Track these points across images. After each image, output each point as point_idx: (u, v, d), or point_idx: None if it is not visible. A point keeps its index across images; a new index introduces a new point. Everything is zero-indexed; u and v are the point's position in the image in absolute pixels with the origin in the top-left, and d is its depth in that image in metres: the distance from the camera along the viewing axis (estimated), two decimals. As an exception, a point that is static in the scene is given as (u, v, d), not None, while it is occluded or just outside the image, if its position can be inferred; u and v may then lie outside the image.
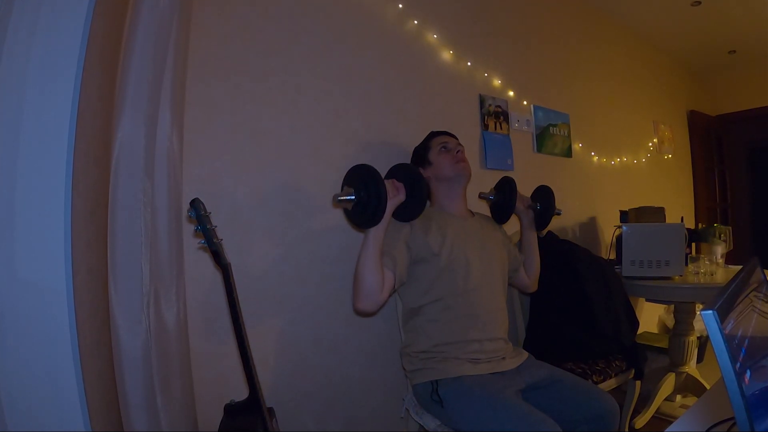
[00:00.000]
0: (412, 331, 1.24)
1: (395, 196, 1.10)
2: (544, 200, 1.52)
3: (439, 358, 1.17)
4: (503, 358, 1.20)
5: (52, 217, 0.74)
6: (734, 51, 3.34)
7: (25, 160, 0.74)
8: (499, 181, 1.48)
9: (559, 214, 1.55)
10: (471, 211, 1.40)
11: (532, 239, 1.49)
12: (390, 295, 1.15)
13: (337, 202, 1.06)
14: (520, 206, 1.45)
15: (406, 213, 1.18)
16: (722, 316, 0.50)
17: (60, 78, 0.75)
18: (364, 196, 1.05)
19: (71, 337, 0.74)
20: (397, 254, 1.15)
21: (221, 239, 0.88)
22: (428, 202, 1.41)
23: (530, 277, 1.48)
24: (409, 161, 1.45)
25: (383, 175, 1.10)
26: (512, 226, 1.79)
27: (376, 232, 1.08)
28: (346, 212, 1.16)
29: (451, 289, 1.20)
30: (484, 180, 1.77)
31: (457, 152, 1.34)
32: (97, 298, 0.77)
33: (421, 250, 1.20)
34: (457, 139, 1.41)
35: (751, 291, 0.66)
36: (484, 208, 1.59)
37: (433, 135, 1.40)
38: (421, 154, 1.39)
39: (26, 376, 0.74)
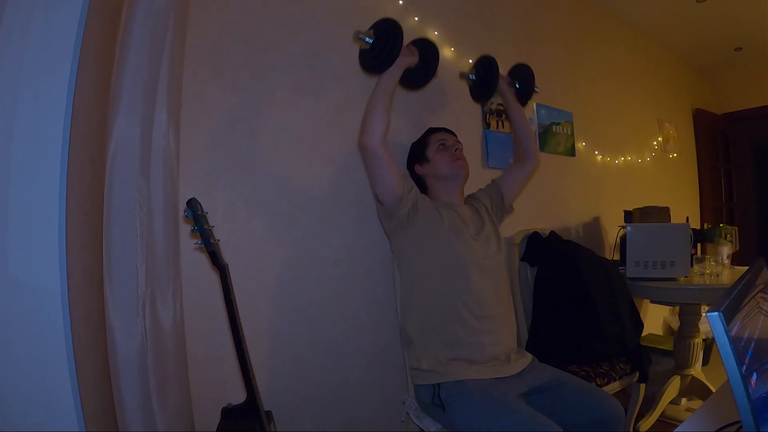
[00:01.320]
0: (413, 334, 1.24)
1: (409, 55, 1.25)
2: (522, 78, 1.60)
3: (442, 359, 1.16)
4: (507, 360, 1.19)
5: (47, 218, 0.74)
6: (740, 48, 3.34)
7: (19, 160, 0.74)
8: (479, 60, 1.52)
9: (536, 91, 1.63)
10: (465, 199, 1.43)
11: (520, 114, 1.54)
12: (390, 158, 1.20)
13: (356, 38, 1.21)
14: (501, 84, 1.52)
15: (415, 79, 1.35)
16: (728, 317, 0.50)
17: (54, 76, 0.75)
18: (381, 42, 1.21)
19: (66, 339, 0.74)
20: (407, 183, 1.27)
21: (218, 240, 0.88)
22: (426, 196, 1.42)
23: (528, 153, 1.50)
24: (408, 157, 1.45)
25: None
26: (510, 228, 1.79)
27: (389, 78, 1.21)
28: (361, 55, 1.28)
29: (450, 263, 1.21)
30: (486, 180, 1.77)
31: (455, 150, 1.34)
32: (92, 300, 0.77)
33: (423, 209, 1.26)
34: (455, 136, 1.41)
35: (758, 292, 0.66)
36: (462, 91, 1.64)
37: (431, 131, 1.41)
38: (418, 150, 1.39)
39: (20, 378, 0.74)
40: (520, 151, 1.54)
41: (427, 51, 1.32)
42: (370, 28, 1.24)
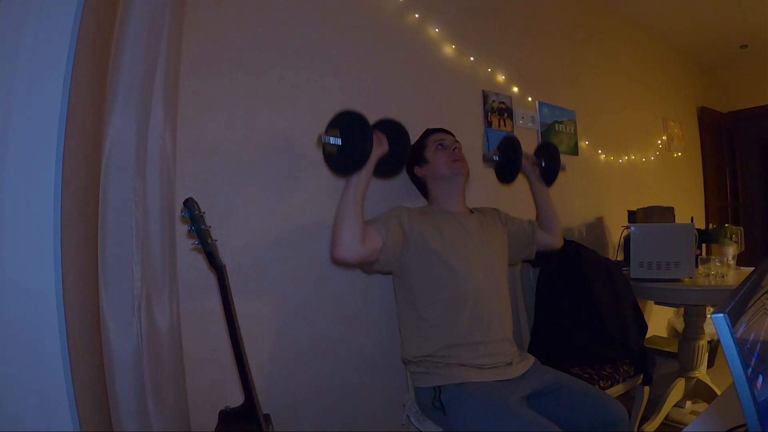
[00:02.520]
0: (413, 336, 1.24)
1: (378, 146, 1.12)
2: (548, 156, 1.56)
3: (442, 363, 1.17)
4: (509, 363, 1.19)
5: (41, 218, 0.74)
6: (746, 45, 3.33)
7: (13, 159, 0.74)
8: (502, 141, 1.51)
9: (564, 169, 1.59)
10: (470, 209, 1.40)
11: (545, 194, 1.53)
12: (373, 255, 1.13)
13: (322, 144, 1.09)
14: (525, 164, 1.49)
15: (388, 167, 1.22)
16: (733, 319, 0.50)
17: (49, 74, 0.75)
18: (350, 141, 1.08)
19: (60, 340, 0.74)
20: (389, 225, 1.16)
21: (216, 240, 0.88)
22: (426, 200, 1.41)
23: (553, 232, 1.50)
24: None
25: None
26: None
27: (358, 180, 1.09)
28: (327, 157, 1.16)
29: (453, 290, 1.20)
30: (488, 179, 1.77)
31: (453, 150, 1.34)
32: (88, 301, 0.77)
33: (417, 241, 1.20)
34: (453, 136, 1.41)
35: (764, 293, 0.66)
36: (487, 175, 1.60)
37: (428, 132, 1.40)
38: (416, 152, 1.39)
39: (14, 380, 0.74)
40: (544, 226, 1.52)
41: (395, 133, 1.20)
42: (333, 127, 1.11)
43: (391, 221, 1.18)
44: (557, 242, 1.52)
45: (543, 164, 1.54)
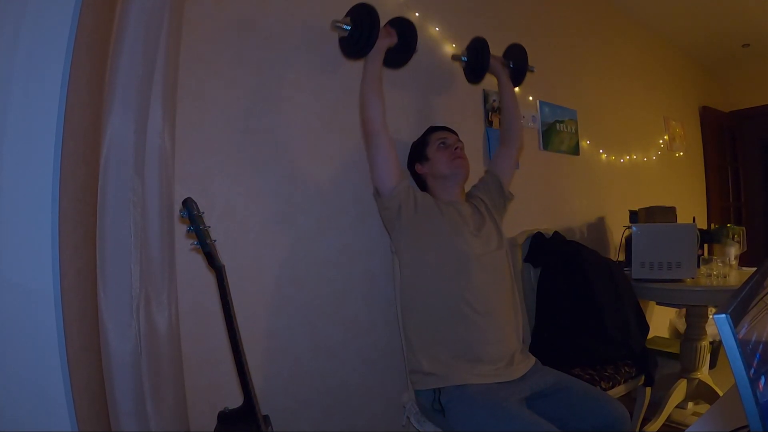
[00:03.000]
0: (415, 337, 1.24)
1: (387, 36, 1.30)
2: (516, 58, 1.65)
3: (444, 360, 1.16)
4: (510, 363, 1.19)
5: (40, 218, 0.74)
6: (748, 44, 3.34)
7: (11, 159, 0.74)
8: (471, 41, 1.58)
9: (532, 70, 1.69)
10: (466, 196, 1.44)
11: (511, 92, 1.59)
12: (391, 148, 1.25)
13: (333, 27, 1.26)
14: (495, 64, 1.57)
15: (397, 58, 1.39)
16: (736, 320, 0.50)
17: (47, 73, 0.75)
18: (358, 28, 1.25)
19: (59, 341, 0.74)
20: (407, 177, 1.32)
21: (215, 240, 0.88)
22: (426, 193, 1.42)
23: (511, 136, 1.54)
24: (408, 156, 1.45)
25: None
26: (513, 228, 1.79)
27: (372, 64, 1.26)
28: (341, 43, 1.34)
29: (449, 253, 1.22)
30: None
31: (455, 149, 1.34)
32: (86, 301, 0.77)
33: (422, 204, 1.28)
34: (456, 135, 1.41)
35: (766, 294, 0.66)
36: (457, 72, 1.66)
37: (431, 130, 1.41)
38: (418, 149, 1.39)
39: (12, 381, 0.74)
40: (505, 131, 1.57)
41: (405, 28, 1.37)
42: (346, 15, 1.27)
43: (408, 177, 1.33)
44: (516, 146, 1.55)
45: (511, 65, 1.63)
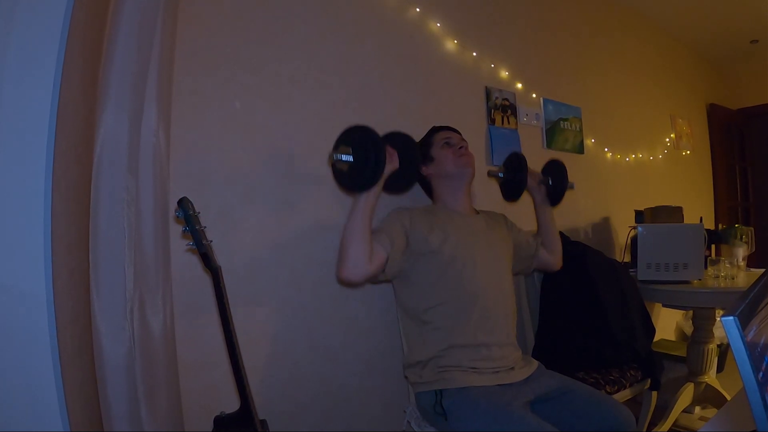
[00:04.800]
0: (415, 339, 1.24)
1: (389, 162, 1.10)
2: (555, 174, 1.54)
3: (444, 365, 1.16)
4: (512, 368, 1.19)
5: (31, 218, 0.74)
6: (756, 40, 3.33)
7: (2, 158, 0.74)
8: (508, 157, 1.51)
9: (572, 187, 1.58)
10: (476, 210, 1.40)
11: (548, 215, 1.52)
12: (378, 270, 1.13)
13: (334, 161, 1.07)
14: (531, 182, 1.48)
15: (398, 183, 1.23)
16: (744, 322, 0.50)
17: (39, 70, 0.75)
18: (362, 158, 1.06)
19: (51, 344, 0.74)
20: (394, 235, 1.16)
21: (211, 241, 0.88)
22: (431, 200, 1.41)
23: (553, 254, 1.50)
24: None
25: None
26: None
27: (368, 198, 1.09)
28: (337, 174, 1.15)
29: (457, 289, 1.20)
30: (492, 184, 1.77)
31: (459, 148, 1.34)
32: (79, 303, 0.77)
33: (420, 244, 1.20)
34: (460, 134, 1.41)
35: (775, 296, 0.65)
36: (492, 190, 1.61)
37: (435, 130, 1.41)
38: (422, 150, 1.39)
39: (4, 385, 0.74)
40: (546, 247, 1.52)
41: (405, 147, 1.20)
42: (343, 144, 1.09)
43: (394, 229, 1.18)
44: (557, 263, 1.52)
45: (549, 183, 1.52)
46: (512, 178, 1.47)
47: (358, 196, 1.10)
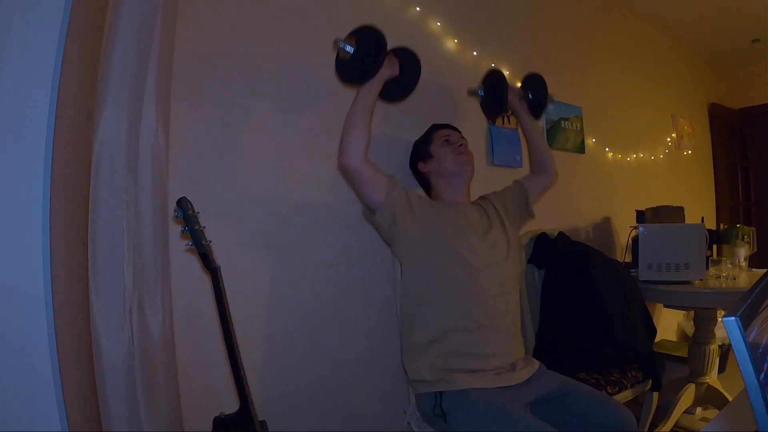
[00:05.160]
0: (412, 321, 1.24)
1: (389, 67, 1.21)
2: (534, 88, 1.56)
3: (444, 352, 1.16)
4: (513, 367, 1.19)
5: (30, 218, 0.74)
6: (758, 40, 3.33)
7: (1, 158, 0.74)
8: (486, 75, 1.51)
9: (553, 101, 1.60)
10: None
11: (535, 129, 1.53)
12: (373, 183, 1.19)
13: (337, 47, 1.17)
14: (512, 98, 1.50)
15: (396, 91, 1.33)
16: (745, 322, 0.50)
17: (38, 70, 0.75)
18: (363, 52, 1.16)
19: (50, 345, 0.74)
20: (398, 185, 1.23)
21: (210, 241, 0.88)
22: (429, 197, 1.41)
23: (546, 169, 1.50)
24: (411, 156, 1.45)
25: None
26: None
27: (367, 92, 1.18)
28: (339, 63, 1.24)
29: (454, 271, 1.20)
30: (492, 178, 1.77)
31: (459, 146, 1.34)
32: (78, 304, 0.77)
33: (424, 215, 1.24)
34: (460, 132, 1.41)
35: (777, 296, 0.65)
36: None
37: (435, 128, 1.41)
38: (422, 147, 1.39)
39: (2, 385, 0.74)
40: (536, 167, 1.54)
41: (408, 62, 1.30)
42: (351, 36, 1.18)
43: (398, 183, 1.24)
44: (552, 178, 1.52)
45: (530, 96, 1.55)
46: (492, 95, 1.49)
47: (359, 89, 1.19)
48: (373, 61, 1.15)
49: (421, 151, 1.39)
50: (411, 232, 1.22)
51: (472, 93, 1.52)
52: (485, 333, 1.18)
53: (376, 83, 1.19)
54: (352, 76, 1.21)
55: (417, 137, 1.45)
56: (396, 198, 1.20)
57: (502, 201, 1.44)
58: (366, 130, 1.17)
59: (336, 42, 1.16)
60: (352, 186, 1.28)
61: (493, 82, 1.50)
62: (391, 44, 1.52)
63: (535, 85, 1.57)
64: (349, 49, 1.16)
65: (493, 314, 1.20)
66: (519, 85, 1.60)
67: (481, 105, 1.59)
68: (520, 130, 1.93)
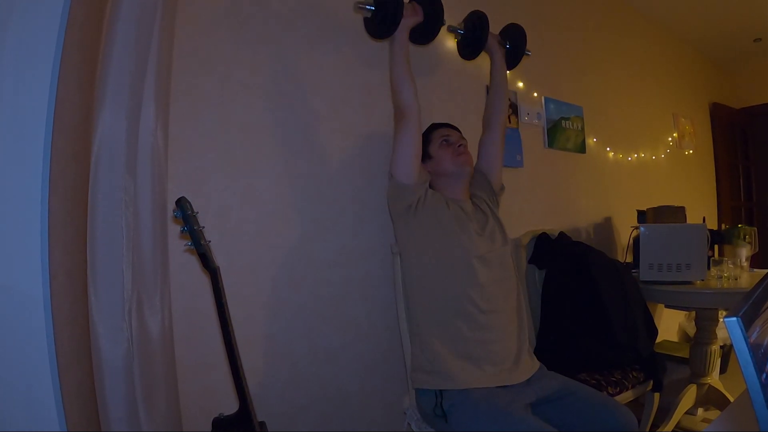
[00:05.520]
0: (413, 304, 1.25)
1: (413, 15, 1.31)
2: (514, 38, 1.61)
3: (447, 358, 1.16)
4: (516, 363, 1.19)
5: (28, 218, 0.74)
6: (760, 39, 3.33)
7: (-1, 157, 0.74)
8: (469, 14, 1.54)
9: (528, 54, 1.65)
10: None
11: (503, 76, 1.56)
12: (418, 133, 1.27)
13: (357, 8, 1.28)
14: (491, 41, 1.54)
15: (423, 34, 1.40)
16: (747, 323, 0.50)
17: (36, 68, 0.75)
18: (382, 8, 1.26)
19: (48, 345, 0.74)
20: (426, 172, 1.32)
21: (209, 241, 0.88)
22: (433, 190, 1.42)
23: (495, 124, 1.50)
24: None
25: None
26: (517, 229, 1.79)
27: (398, 42, 1.27)
28: (366, 24, 1.37)
29: (458, 259, 1.22)
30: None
31: (459, 146, 1.34)
32: (76, 304, 0.77)
33: (435, 203, 1.27)
34: (459, 131, 1.41)
35: (778, 296, 0.65)
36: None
37: (434, 127, 1.41)
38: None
39: (1, 386, 0.74)
40: (490, 113, 1.53)
41: (431, 4, 1.37)
42: None
43: (425, 171, 1.31)
44: (498, 133, 1.49)
45: (508, 46, 1.59)
46: (471, 36, 1.52)
47: (391, 43, 1.30)
48: (393, 12, 1.24)
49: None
50: (421, 221, 1.25)
51: (451, 30, 1.53)
52: (486, 319, 1.19)
53: (402, 33, 1.28)
54: (380, 31, 1.31)
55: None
56: (424, 185, 1.29)
57: (479, 186, 1.45)
58: (411, 75, 1.27)
59: (355, 3, 1.27)
60: (399, 141, 1.26)
61: (474, 21, 1.52)
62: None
63: (514, 35, 1.62)
64: (369, 7, 1.26)
65: (493, 301, 1.22)
66: (500, 31, 1.63)
67: (458, 43, 1.60)
68: (520, 129, 1.93)
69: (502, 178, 1.48)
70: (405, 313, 1.31)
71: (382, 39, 1.37)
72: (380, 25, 1.29)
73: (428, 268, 1.23)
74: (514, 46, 1.61)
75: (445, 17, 1.40)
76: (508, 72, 1.60)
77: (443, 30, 1.63)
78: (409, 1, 1.32)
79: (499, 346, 1.19)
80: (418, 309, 1.24)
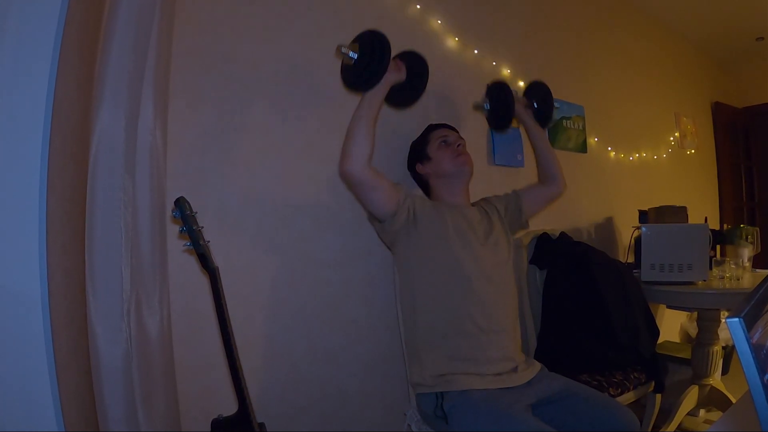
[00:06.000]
0: (413, 325, 1.24)
1: (395, 72, 1.20)
2: (538, 96, 1.56)
3: (446, 367, 1.16)
4: (514, 370, 1.19)
5: (26, 217, 0.74)
6: (762, 38, 3.33)
7: (-4, 156, 0.74)
8: (490, 87, 1.51)
9: (557, 107, 1.60)
10: (471, 203, 1.42)
11: (542, 138, 1.53)
12: (378, 189, 1.17)
13: (339, 53, 1.15)
14: (518, 108, 1.50)
15: (401, 96, 1.31)
16: (749, 324, 0.50)
17: (35, 68, 0.75)
18: (366, 58, 1.14)
19: (46, 345, 0.74)
20: (406, 192, 1.24)
21: (208, 241, 0.88)
22: (428, 197, 1.41)
23: (554, 179, 1.50)
24: (408, 157, 1.45)
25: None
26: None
27: (371, 99, 1.15)
28: (343, 69, 1.22)
29: (457, 276, 1.20)
30: (492, 178, 1.77)
31: (457, 146, 1.34)
32: (74, 305, 0.77)
33: (426, 219, 1.24)
34: (457, 132, 1.41)
35: (781, 297, 0.65)
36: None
37: (431, 128, 1.40)
38: (419, 148, 1.39)
39: (-2, 388, 0.74)
40: (543, 176, 1.54)
41: (416, 65, 1.28)
42: (354, 41, 1.17)
43: (403, 189, 1.24)
44: (559, 188, 1.51)
45: (535, 105, 1.55)
46: (498, 106, 1.49)
47: (363, 96, 1.17)
48: (376, 66, 1.13)
49: (418, 153, 1.39)
50: (414, 239, 1.23)
51: (477, 107, 1.51)
52: (486, 338, 1.18)
53: (381, 89, 1.16)
54: (356, 83, 1.18)
55: (414, 137, 1.45)
56: (403, 207, 1.21)
57: (505, 205, 1.44)
58: (370, 137, 1.13)
59: (339, 48, 1.14)
60: (355, 193, 1.27)
61: (498, 94, 1.48)
62: (393, 43, 1.53)
63: (540, 93, 1.56)
64: (353, 55, 1.14)
65: (494, 318, 1.20)
66: (523, 93, 1.59)
67: (487, 118, 1.57)
68: (522, 130, 1.93)
69: (531, 217, 1.49)
70: (401, 322, 1.31)
71: (358, 91, 1.20)
72: (360, 76, 1.15)
73: (427, 287, 1.22)
74: (542, 105, 1.55)
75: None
76: (512, 76, 1.61)
77: (439, 29, 1.62)
78: (394, 57, 1.21)
79: (499, 364, 1.18)
80: (416, 327, 1.23)
